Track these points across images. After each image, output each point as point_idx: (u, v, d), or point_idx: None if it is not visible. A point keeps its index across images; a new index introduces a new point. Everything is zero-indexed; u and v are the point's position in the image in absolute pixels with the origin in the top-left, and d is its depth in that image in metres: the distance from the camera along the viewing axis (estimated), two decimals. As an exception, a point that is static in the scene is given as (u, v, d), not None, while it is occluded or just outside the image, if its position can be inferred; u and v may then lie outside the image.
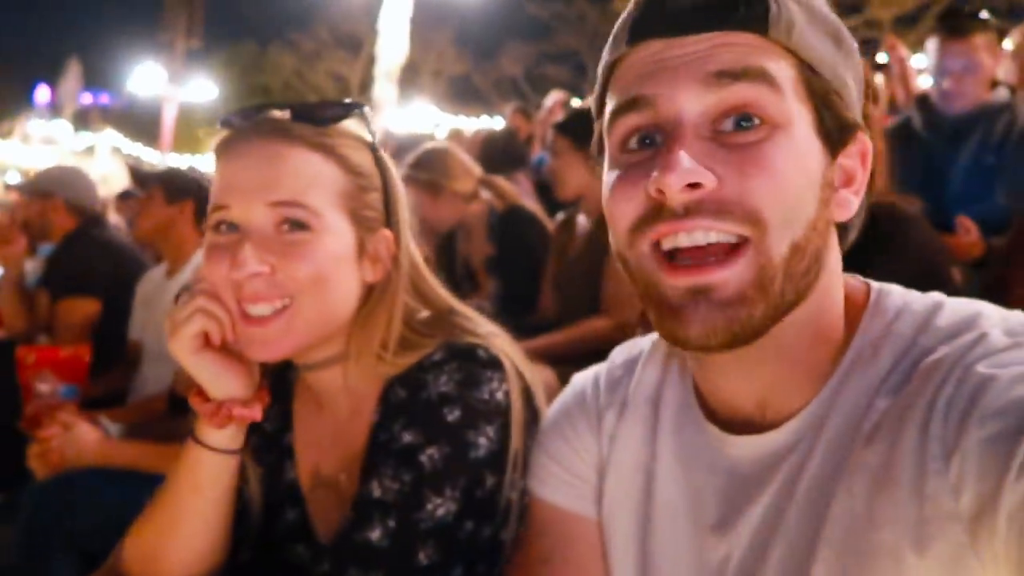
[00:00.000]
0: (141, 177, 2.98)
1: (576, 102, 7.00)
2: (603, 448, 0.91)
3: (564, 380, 1.04)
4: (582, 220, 2.96)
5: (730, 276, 0.68)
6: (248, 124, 1.05)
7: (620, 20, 0.77)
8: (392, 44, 15.14)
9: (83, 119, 23.80)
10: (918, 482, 0.63)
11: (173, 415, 2.30)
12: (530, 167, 4.92)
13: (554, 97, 5.69)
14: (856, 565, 0.66)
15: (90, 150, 18.72)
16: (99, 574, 1.17)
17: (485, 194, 3.33)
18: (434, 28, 24.18)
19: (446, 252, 3.47)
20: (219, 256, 0.99)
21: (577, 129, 2.82)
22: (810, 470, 0.72)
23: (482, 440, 1.00)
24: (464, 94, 27.33)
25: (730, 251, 0.68)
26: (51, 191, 3.25)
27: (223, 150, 1.05)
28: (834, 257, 0.76)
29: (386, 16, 15.21)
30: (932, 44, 2.96)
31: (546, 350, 2.47)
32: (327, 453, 1.13)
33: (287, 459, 1.16)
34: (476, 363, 1.03)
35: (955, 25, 2.86)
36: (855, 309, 0.77)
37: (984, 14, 2.88)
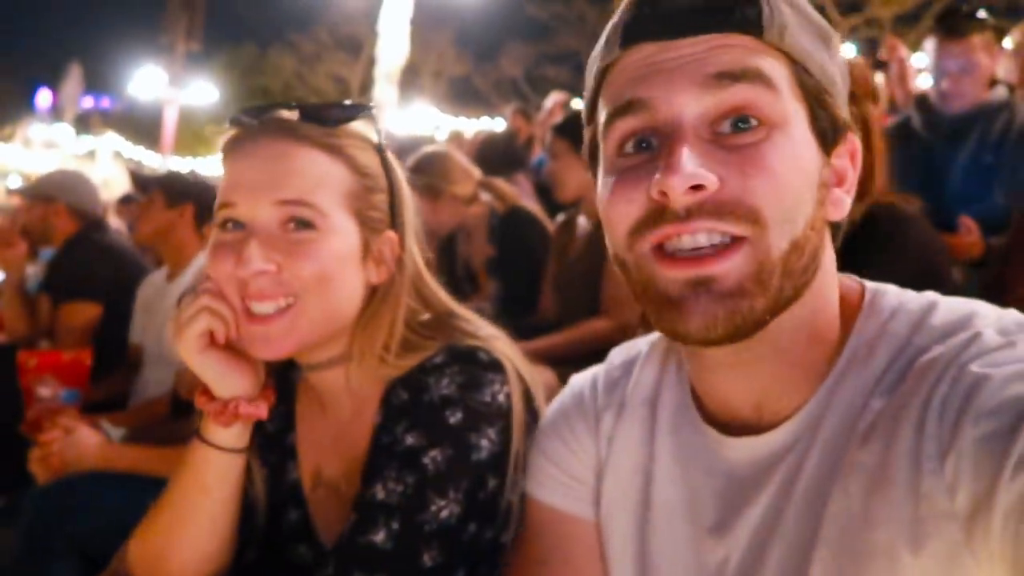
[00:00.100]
0: (141, 181, 2.99)
1: (576, 103, 7.00)
2: (601, 450, 0.91)
3: (564, 381, 1.04)
4: (582, 221, 2.96)
5: (730, 268, 0.68)
6: (256, 123, 1.06)
7: (610, 24, 0.76)
8: (392, 46, 15.15)
9: (84, 123, 23.87)
10: (913, 481, 0.64)
11: (175, 418, 2.30)
12: (530, 169, 4.92)
13: (554, 98, 5.69)
14: (852, 565, 0.67)
15: (91, 154, 18.78)
16: (103, 577, 1.17)
17: (485, 196, 3.33)
18: (434, 29, 24.22)
19: (446, 254, 3.48)
20: (224, 253, 1.00)
21: (575, 131, 2.81)
22: (807, 471, 0.72)
23: (484, 442, 1.00)
24: (464, 95, 27.37)
25: (728, 245, 0.68)
26: (53, 195, 3.25)
27: (231, 148, 1.05)
28: (829, 256, 0.76)
29: (386, 18, 15.23)
30: (930, 45, 2.96)
31: (546, 351, 2.47)
32: (329, 454, 1.14)
33: (290, 460, 1.17)
34: (477, 365, 1.03)
35: (953, 25, 2.86)
36: (850, 309, 0.77)
37: (982, 14, 2.88)
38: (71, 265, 3.11)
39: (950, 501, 0.61)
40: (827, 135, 0.73)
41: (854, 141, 0.77)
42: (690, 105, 0.69)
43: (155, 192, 2.73)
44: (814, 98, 0.72)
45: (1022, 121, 2.83)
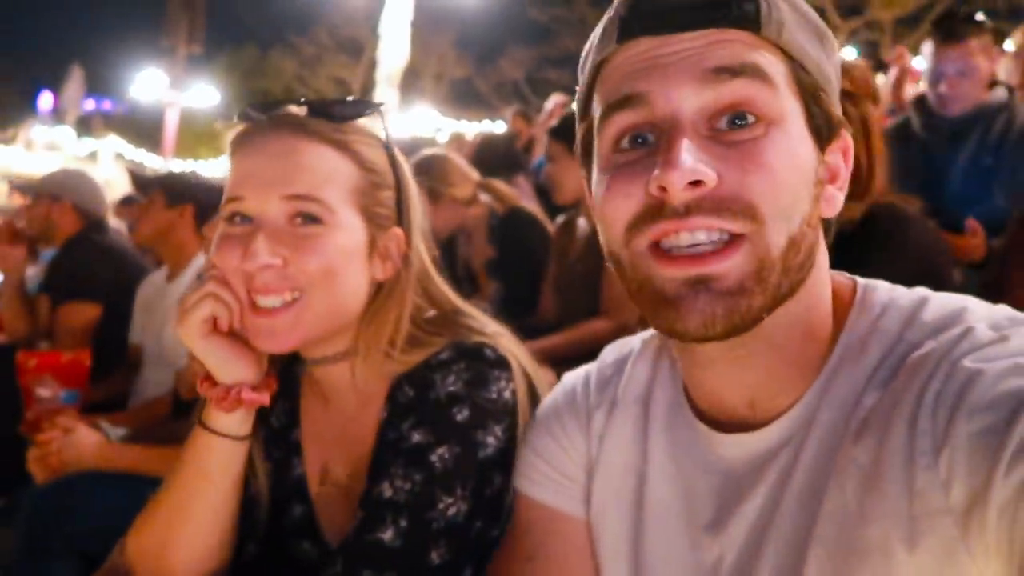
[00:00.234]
0: (142, 182, 2.99)
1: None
2: (592, 448, 0.91)
3: (564, 382, 1.04)
4: (582, 223, 2.96)
5: (731, 267, 0.67)
6: (265, 118, 1.06)
7: (606, 18, 0.76)
8: (393, 48, 15.16)
9: (86, 125, 23.91)
10: (907, 477, 0.63)
11: (175, 418, 2.30)
12: (530, 171, 4.92)
13: (555, 101, 5.69)
14: (847, 562, 0.66)
15: (93, 156, 18.80)
16: (101, 573, 1.17)
17: (485, 197, 3.33)
18: (435, 32, 24.25)
19: (446, 256, 3.47)
20: (231, 246, 1.00)
21: (572, 133, 2.81)
22: (801, 468, 0.72)
23: (491, 439, 1.00)
24: (465, 98, 27.40)
25: (727, 243, 0.68)
26: (60, 194, 3.25)
27: (240, 143, 1.05)
28: (822, 253, 0.76)
29: (387, 20, 15.24)
30: (928, 49, 2.96)
31: (546, 352, 2.47)
32: (334, 450, 1.14)
33: (294, 455, 1.17)
34: (484, 362, 1.04)
35: (950, 29, 2.85)
36: (842, 305, 0.77)
37: (980, 17, 2.88)
38: (71, 265, 3.11)
39: (945, 497, 0.61)
40: (822, 132, 0.73)
41: (847, 138, 0.77)
42: (688, 100, 0.69)
43: (155, 192, 2.74)
44: (810, 95, 0.72)
45: (1022, 123, 2.83)
